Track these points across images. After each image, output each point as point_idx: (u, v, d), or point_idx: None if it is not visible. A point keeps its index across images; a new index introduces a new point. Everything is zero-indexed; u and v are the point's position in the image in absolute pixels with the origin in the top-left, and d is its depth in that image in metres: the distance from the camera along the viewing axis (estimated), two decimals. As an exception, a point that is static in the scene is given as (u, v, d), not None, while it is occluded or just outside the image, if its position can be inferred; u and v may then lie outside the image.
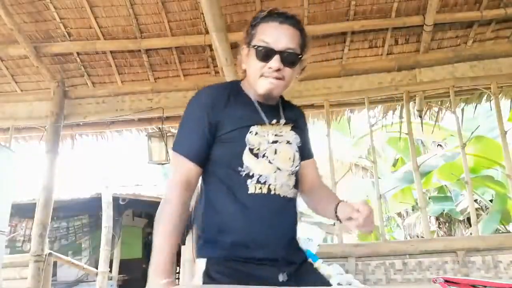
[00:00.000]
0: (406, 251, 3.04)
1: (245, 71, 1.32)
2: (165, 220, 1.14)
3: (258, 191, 1.20)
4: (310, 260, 1.35)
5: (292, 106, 1.41)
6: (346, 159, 8.42)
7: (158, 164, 4.25)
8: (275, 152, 1.24)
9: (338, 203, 1.23)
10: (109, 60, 3.80)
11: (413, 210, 7.55)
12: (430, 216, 7.52)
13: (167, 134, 4.01)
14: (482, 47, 3.61)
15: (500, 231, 6.24)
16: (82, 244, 7.63)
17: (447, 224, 7.81)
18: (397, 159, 8.60)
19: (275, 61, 1.21)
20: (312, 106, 3.76)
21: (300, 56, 1.26)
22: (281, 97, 1.37)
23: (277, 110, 1.32)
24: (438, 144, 8.30)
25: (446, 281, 0.88)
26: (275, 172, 1.22)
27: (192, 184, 1.22)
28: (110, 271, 6.82)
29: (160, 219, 1.15)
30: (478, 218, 4.60)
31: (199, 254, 1.21)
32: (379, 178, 3.81)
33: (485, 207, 6.81)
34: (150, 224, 9.19)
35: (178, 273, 9.94)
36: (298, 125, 1.35)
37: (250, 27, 1.29)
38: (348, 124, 4.39)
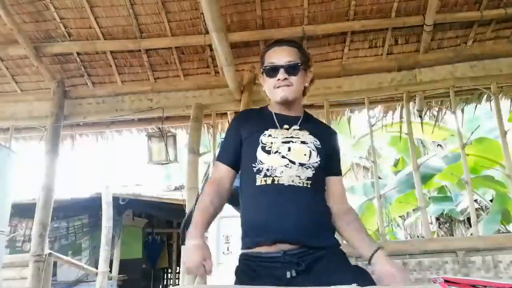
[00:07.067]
0: (406, 251, 3.02)
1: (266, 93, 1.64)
2: (199, 203, 1.49)
3: (262, 183, 1.43)
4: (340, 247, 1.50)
5: (320, 123, 1.72)
6: (346, 159, 8.42)
7: (158, 164, 4.25)
8: (289, 150, 1.47)
9: (375, 251, 1.47)
10: (109, 60, 3.80)
11: (413, 210, 7.54)
12: (430, 216, 7.50)
13: (167, 134, 4.01)
14: (482, 47, 3.60)
15: (501, 231, 6.22)
16: (82, 244, 7.64)
17: (447, 224, 7.80)
18: (398, 159, 8.59)
19: (281, 73, 1.53)
20: (312, 106, 3.76)
21: (300, 64, 1.55)
22: (307, 113, 1.65)
23: (296, 119, 1.58)
24: (438, 144, 8.30)
25: (446, 281, 0.88)
26: (286, 165, 1.44)
27: (223, 181, 1.55)
28: (110, 271, 6.83)
29: (198, 203, 1.52)
30: (478, 218, 4.59)
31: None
32: (380, 178, 3.80)
33: (485, 207, 6.80)
34: (150, 224, 9.19)
35: (178, 273, 9.96)
36: (323, 137, 1.56)
37: (260, 60, 1.63)
38: (348, 124, 4.38)
